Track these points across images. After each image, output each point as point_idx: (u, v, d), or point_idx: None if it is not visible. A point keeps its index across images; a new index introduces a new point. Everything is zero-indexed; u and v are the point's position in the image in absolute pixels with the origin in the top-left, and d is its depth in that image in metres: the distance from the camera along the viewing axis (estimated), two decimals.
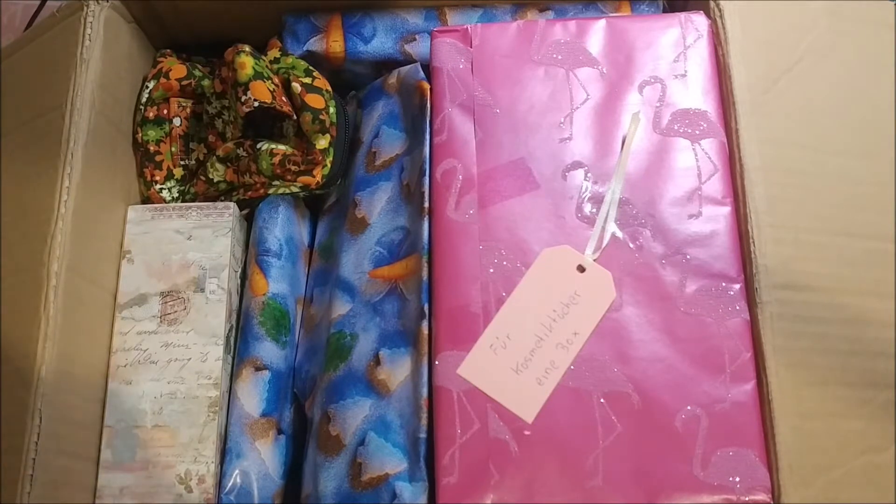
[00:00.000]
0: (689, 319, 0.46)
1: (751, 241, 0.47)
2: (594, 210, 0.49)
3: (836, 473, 0.43)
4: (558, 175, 0.50)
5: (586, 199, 0.49)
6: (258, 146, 0.56)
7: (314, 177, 0.56)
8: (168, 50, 0.62)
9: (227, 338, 0.53)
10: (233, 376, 0.53)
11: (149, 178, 0.58)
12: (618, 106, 0.51)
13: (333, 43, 0.59)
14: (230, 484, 0.50)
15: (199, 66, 0.61)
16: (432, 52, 0.55)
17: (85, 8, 0.54)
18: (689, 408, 0.45)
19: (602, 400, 0.45)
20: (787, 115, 0.49)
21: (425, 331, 0.48)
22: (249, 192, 0.57)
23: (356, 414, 0.49)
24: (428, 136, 0.53)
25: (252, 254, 0.56)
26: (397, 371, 0.49)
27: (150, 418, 0.51)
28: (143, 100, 0.58)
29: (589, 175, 0.50)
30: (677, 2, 0.59)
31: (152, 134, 0.59)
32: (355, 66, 0.60)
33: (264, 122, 0.58)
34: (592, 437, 0.44)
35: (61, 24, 0.54)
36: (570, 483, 0.43)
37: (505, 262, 0.48)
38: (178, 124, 0.60)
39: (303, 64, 0.58)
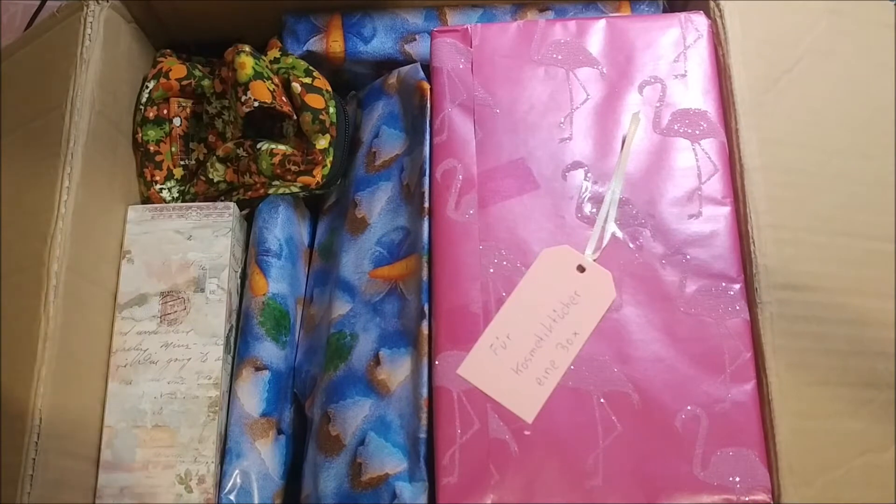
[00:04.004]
0: (689, 319, 0.46)
1: (751, 241, 0.47)
2: (594, 210, 0.49)
3: (836, 473, 0.43)
4: (558, 175, 0.50)
5: (586, 199, 0.49)
6: (258, 146, 0.56)
7: (314, 177, 0.56)
8: (168, 50, 0.62)
9: (227, 338, 0.53)
10: (233, 376, 0.53)
11: (149, 178, 0.58)
12: (618, 106, 0.51)
13: (333, 43, 0.59)
14: (230, 484, 0.50)
15: (199, 66, 0.61)
16: (432, 52, 0.55)
17: (85, 8, 0.54)
18: (689, 408, 0.45)
19: (602, 400, 0.45)
20: (787, 115, 0.49)
21: (425, 331, 0.48)
22: (249, 192, 0.57)
23: (356, 414, 0.49)
24: (428, 136, 0.53)
25: (252, 254, 0.56)
26: (397, 371, 0.49)
27: (150, 418, 0.51)
28: (143, 100, 0.58)
29: (589, 175, 0.50)
30: (677, 2, 0.59)
31: (152, 134, 0.59)
32: (355, 66, 0.60)
33: (264, 122, 0.58)
34: (592, 437, 0.44)
35: (61, 24, 0.54)
36: (570, 483, 0.43)
37: (505, 262, 0.48)
38: (178, 124, 0.60)
39: (303, 64, 0.58)
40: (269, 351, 0.53)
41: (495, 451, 0.44)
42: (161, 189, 0.58)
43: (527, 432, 0.45)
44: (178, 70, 0.59)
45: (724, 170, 0.49)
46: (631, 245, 0.48)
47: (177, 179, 0.59)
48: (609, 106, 0.51)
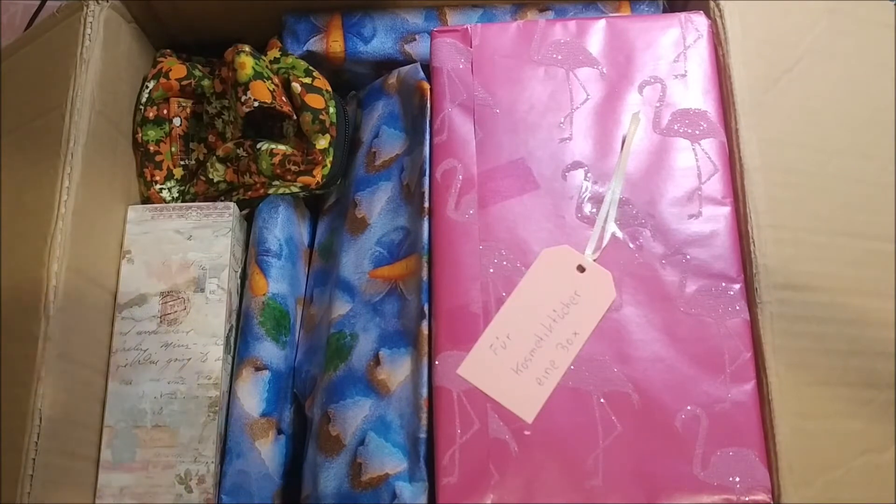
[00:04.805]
0: (689, 319, 0.46)
1: (751, 241, 0.47)
2: (594, 210, 0.49)
3: (836, 473, 0.43)
4: (558, 175, 0.50)
5: (586, 199, 0.49)
6: (258, 146, 0.56)
7: (314, 177, 0.56)
8: (168, 50, 0.62)
9: (227, 338, 0.53)
10: (233, 376, 0.53)
11: (149, 178, 0.58)
12: (618, 106, 0.51)
13: (333, 43, 0.59)
14: (230, 484, 0.50)
15: (199, 66, 0.61)
16: (432, 52, 0.55)
17: (85, 8, 0.54)
18: (689, 408, 0.45)
19: (602, 400, 0.45)
20: (787, 115, 0.49)
21: (425, 331, 0.48)
22: (249, 192, 0.57)
23: (356, 414, 0.49)
24: (428, 136, 0.53)
25: (252, 254, 0.56)
26: (397, 371, 0.49)
27: (150, 418, 0.51)
28: (143, 100, 0.58)
29: (589, 175, 0.50)
30: (677, 2, 0.59)
31: (152, 134, 0.59)
32: (355, 66, 0.60)
33: (264, 122, 0.58)
34: (592, 437, 0.44)
35: (61, 24, 0.54)
36: (570, 483, 0.43)
37: (505, 262, 0.48)
38: (178, 124, 0.60)
39: (303, 64, 0.58)
40: (269, 351, 0.53)
41: (495, 451, 0.44)
42: (161, 189, 0.58)
43: (527, 432, 0.45)
44: (178, 70, 0.59)
45: (724, 170, 0.49)
46: (631, 245, 0.48)
47: (177, 179, 0.59)
48: (609, 106, 0.51)
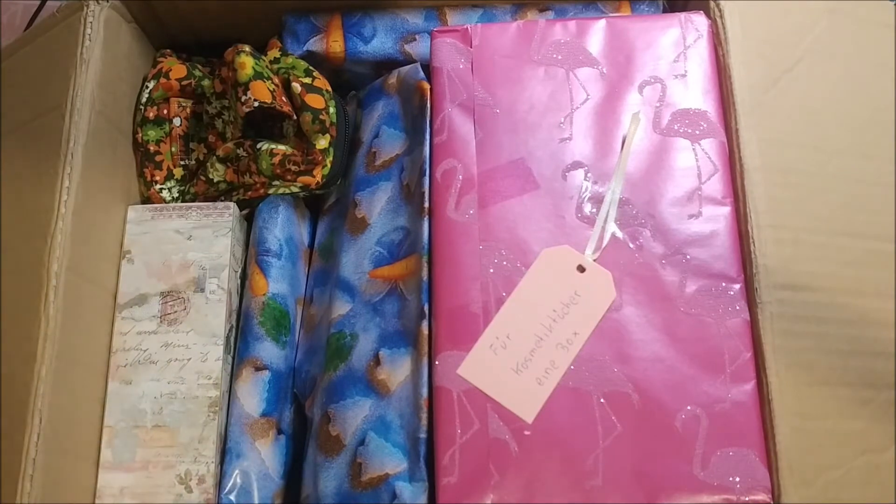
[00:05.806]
0: (689, 319, 0.46)
1: (751, 241, 0.47)
2: (594, 210, 0.49)
3: (836, 473, 0.43)
4: (558, 175, 0.50)
5: (586, 199, 0.49)
6: (258, 146, 0.56)
7: (314, 177, 0.56)
8: (168, 50, 0.62)
9: (227, 338, 0.53)
10: (233, 376, 0.53)
11: (149, 178, 0.58)
12: (618, 106, 0.51)
13: (333, 43, 0.59)
14: (230, 484, 0.50)
15: (199, 66, 0.61)
16: (432, 52, 0.55)
17: (85, 8, 0.54)
18: (689, 408, 0.45)
19: (602, 400, 0.45)
20: (787, 115, 0.49)
21: (425, 331, 0.48)
22: (249, 192, 0.57)
23: (356, 414, 0.49)
24: (428, 136, 0.53)
25: (252, 254, 0.56)
26: (397, 371, 0.49)
27: (150, 418, 0.51)
28: (143, 100, 0.58)
29: (589, 175, 0.50)
30: (677, 2, 0.59)
31: (152, 134, 0.59)
32: (355, 66, 0.60)
33: (264, 122, 0.58)
34: (592, 437, 0.44)
35: (61, 24, 0.54)
36: (570, 483, 0.43)
37: (505, 262, 0.48)
38: (178, 124, 0.60)
39: (303, 64, 0.58)
40: (269, 351, 0.53)
41: (495, 451, 0.44)
42: (161, 189, 0.58)
43: (527, 432, 0.45)
44: (178, 70, 0.59)
45: (724, 170, 0.49)
46: (631, 245, 0.48)
47: (177, 179, 0.59)
48: (609, 106, 0.51)
